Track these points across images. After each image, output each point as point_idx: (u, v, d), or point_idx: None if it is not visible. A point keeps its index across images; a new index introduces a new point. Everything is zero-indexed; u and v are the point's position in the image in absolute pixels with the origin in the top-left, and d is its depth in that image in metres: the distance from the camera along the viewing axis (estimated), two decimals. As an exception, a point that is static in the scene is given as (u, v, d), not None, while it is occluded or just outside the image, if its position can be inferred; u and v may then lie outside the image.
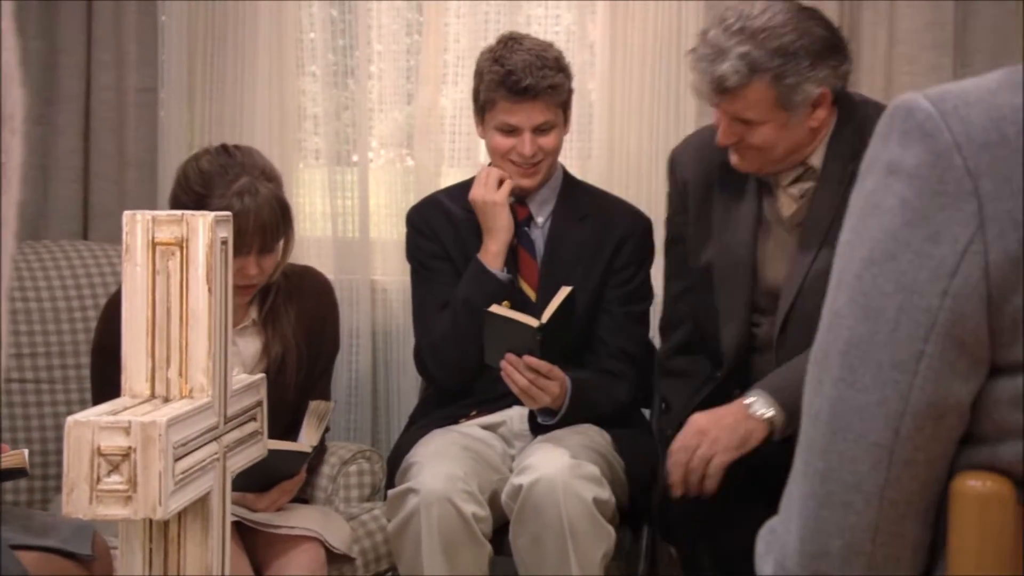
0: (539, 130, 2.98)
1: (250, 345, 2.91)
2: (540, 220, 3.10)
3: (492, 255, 3.01)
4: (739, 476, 2.65)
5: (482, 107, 3.03)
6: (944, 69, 3.47)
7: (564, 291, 2.87)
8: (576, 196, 3.12)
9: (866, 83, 3.53)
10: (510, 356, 2.84)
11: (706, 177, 2.87)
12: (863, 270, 1.02)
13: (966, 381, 1.00)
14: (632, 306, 3.08)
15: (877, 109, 2.75)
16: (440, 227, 3.10)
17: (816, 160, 2.75)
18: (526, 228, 3.08)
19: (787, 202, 2.79)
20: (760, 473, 2.65)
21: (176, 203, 2.81)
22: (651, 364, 3.14)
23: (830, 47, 2.67)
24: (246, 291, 2.83)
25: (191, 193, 2.77)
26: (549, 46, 3.04)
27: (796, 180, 2.78)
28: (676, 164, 2.96)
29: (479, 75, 3.02)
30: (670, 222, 2.99)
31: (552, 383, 2.86)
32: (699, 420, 2.65)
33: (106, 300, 3.02)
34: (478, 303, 2.95)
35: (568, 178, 3.17)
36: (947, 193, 0.98)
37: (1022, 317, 0.98)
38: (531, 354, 2.83)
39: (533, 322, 2.83)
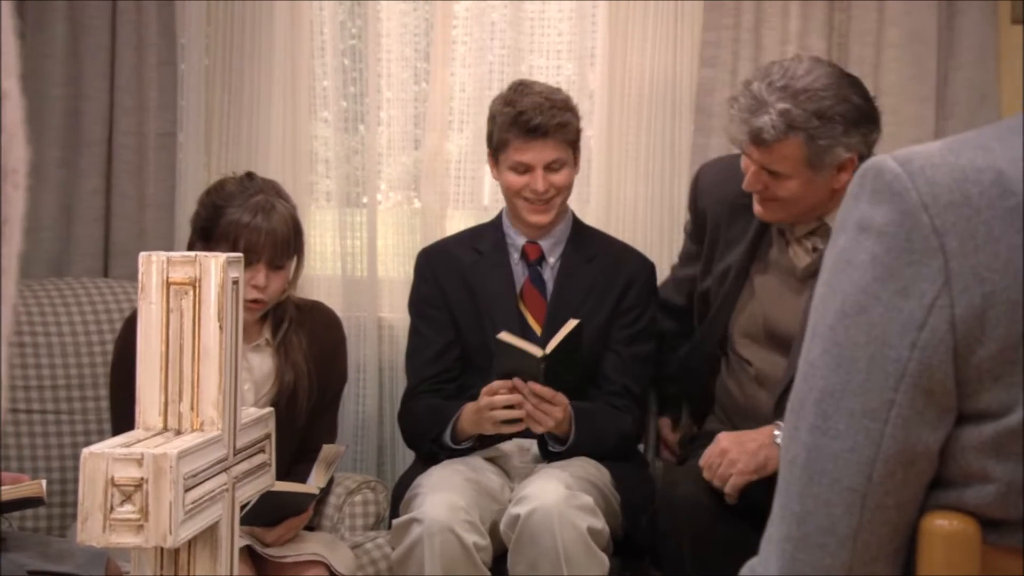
0: (550, 168, 3.01)
1: (264, 363, 2.93)
2: (552, 260, 3.11)
3: (462, 430, 3.00)
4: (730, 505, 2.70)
5: (496, 148, 3.05)
6: (927, 121, 3.49)
7: (571, 324, 2.89)
8: (585, 239, 3.14)
9: (852, 133, 3.55)
10: (516, 380, 2.86)
11: (721, 207, 2.96)
12: (836, 322, 1.03)
13: (934, 429, 1.01)
14: (637, 347, 3.09)
15: None
16: (445, 274, 3.12)
17: (832, 220, 2.78)
18: (538, 267, 3.10)
19: (801, 254, 2.84)
20: (750, 505, 2.69)
21: (196, 218, 2.86)
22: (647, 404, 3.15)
23: (864, 116, 2.71)
24: (255, 306, 2.84)
25: (211, 207, 2.82)
26: (558, 90, 3.08)
27: (810, 234, 2.83)
28: (699, 185, 3.06)
29: (492, 119, 3.05)
30: (685, 231, 3.14)
31: (556, 408, 2.87)
32: (723, 440, 2.71)
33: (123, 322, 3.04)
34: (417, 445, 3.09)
35: (577, 222, 3.18)
36: (915, 250, 0.99)
37: (987, 368, 0.99)
38: (536, 381, 2.85)
39: (538, 351, 2.85)
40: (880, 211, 1.01)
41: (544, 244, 3.12)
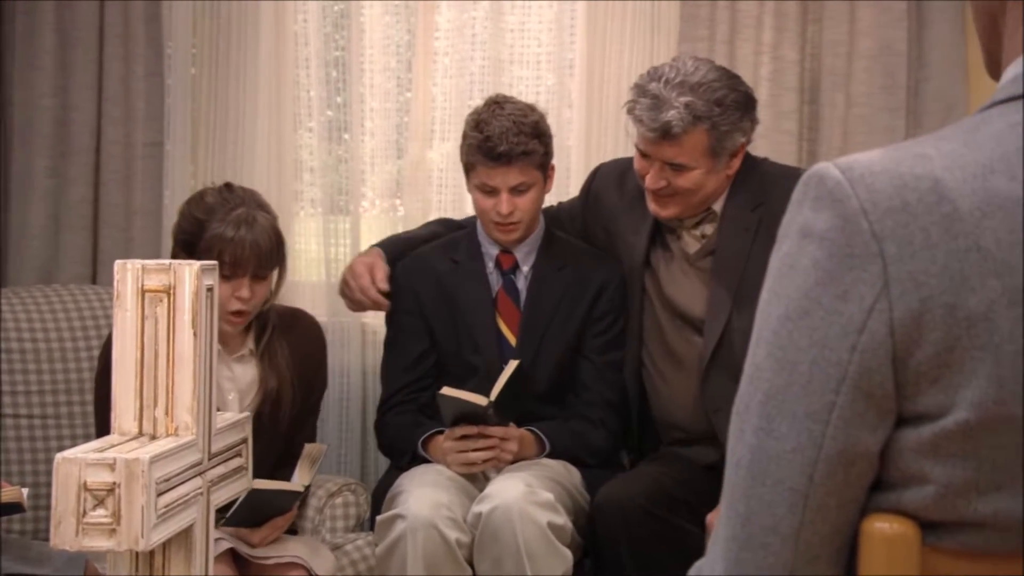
0: (516, 190, 3.00)
1: (247, 373, 2.92)
2: (525, 269, 3.11)
3: (432, 456, 3.03)
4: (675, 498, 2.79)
5: (466, 168, 3.06)
6: (897, 130, 3.49)
7: (512, 365, 2.93)
8: (555, 247, 3.14)
9: (824, 142, 3.56)
10: (467, 428, 2.92)
11: (619, 203, 3.09)
12: (780, 326, 1.03)
13: (874, 431, 1.01)
14: (611, 354, 3.09)
15: (774, 166, 3.02)
16: (420, 282, 3.12)
17: (717, 207, 2.94)
18: (512, 276, 3.10)
19: (691, 242, 2.98)
20: (685, 504, 2.75)
21: (178, 231, 2.84)
22: (627, 408, 3.14)
23: (751, 102, 2.89)
24: (239, 317, 2.84)
25: (192, 219, 2.80)
26: (531, 111, 3.05)
27: (698, 223, 2.96)
28: (599, 180, 3.20)
29: (464, 138, 3.05)
30: (558, 214, 3.22)
31: (510, 442, 2.94)
32: None
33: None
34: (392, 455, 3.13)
35: (549, 231, 3.18)
36: (854, 255, 0.99)
37: (924, 371, 0.99)
38: (487, 424, 2.92)
39: (483, 400, 2.89)
40: (822, 217, 1.01)
41: (518, 254, 3.12)
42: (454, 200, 3.76)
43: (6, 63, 3.65)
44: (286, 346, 2.95)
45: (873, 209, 0.99)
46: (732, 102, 2.83)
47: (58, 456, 1.62)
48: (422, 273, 3.12)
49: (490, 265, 3.11)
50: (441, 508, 2.76)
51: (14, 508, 2.30)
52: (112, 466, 1.62)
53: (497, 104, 3.04)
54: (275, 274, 2.89)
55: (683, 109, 2.77)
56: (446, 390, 2.90)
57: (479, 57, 3.76)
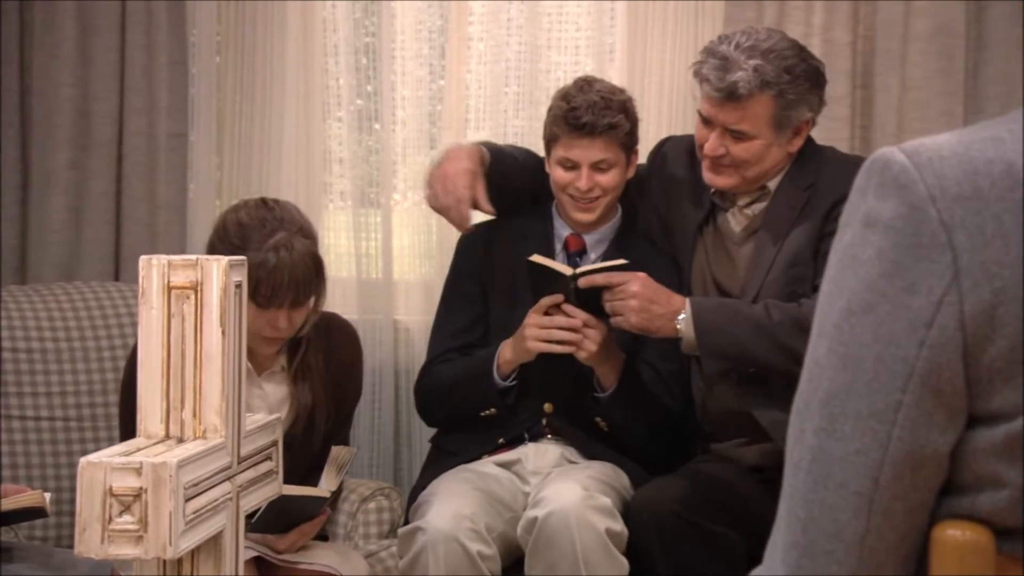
0: (597, 167, 3.00)
1: (277, 391, 2.91)
2: (593, 257, 3.10)
3: (505, 361, 3.02)
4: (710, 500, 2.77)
5: (548, 142, 3.07)
6: (955, 115, 3.46)
7: (618, 261, 2.93)
8: (626, 244, 3.12)
9: (879, 128, 3.53)
10: (554, 298, 2.89)
11: (685, 174, 3.09)
12: (842, 321, 1.01)
13: (944, 431, 0.99)
14: (672, 364, 3.06)
15: (836, 153, 3.04)
16: (486, 252, 3.12)
17: (772, 186, 2.96)
18: (578, 259, 3.08)
19: (740, 220, 3.00)
20: (724, 509, 2.76)
21: (212, 252, 2.79)
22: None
23: (821, 77, 2.92)
24: (274, 342, 2.83)
25: (228, 244, 2.74)
26: (621, 91, 3.07)
27: (750, 203, 2.99)
28: (668, 146, 3.20)
29: (548, 111, 3.07)
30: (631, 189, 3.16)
31: (593, 331, 2.88)
32: (636, 284, 2.83)
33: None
34: (466, 406, 3.06)
35: (626, 225, 3.16)
36: (922, 245, 0.97)
37: (998, 367, 0.97)
38: (570, 303, 2.88)
39: (568, 270, 2.88)
40: (887, 205, 0.99)
41: (588, 239, 3.12)
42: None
43: (25, 52, 3.66)
44: (320, 357, 2.93)
45: (942, 196, 0.97)
46: (802, 72, 2.85)
47: (82, 460, 1.62)
48: (490, 245, 3.13)
49: (558, 246, 3.12)
50: (463, 520, 2.76)
51: (37, 513, 2.31)
52: (139, 470, 1.62)
53: (586, 82, 3.06)
54: (312, 300, 2.85)
55: (751, 72, 2.80)
56: (536, 257, 2.91)
57: (515, 43, 3.74)
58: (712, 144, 2.87)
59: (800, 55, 2.88)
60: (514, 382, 3.03)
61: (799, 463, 1.03)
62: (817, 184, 2.89)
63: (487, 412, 3.05)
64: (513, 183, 3.12)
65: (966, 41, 3.47)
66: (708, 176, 2.94)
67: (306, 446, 2.85)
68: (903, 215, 0.98)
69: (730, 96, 2.82)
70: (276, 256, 2.71)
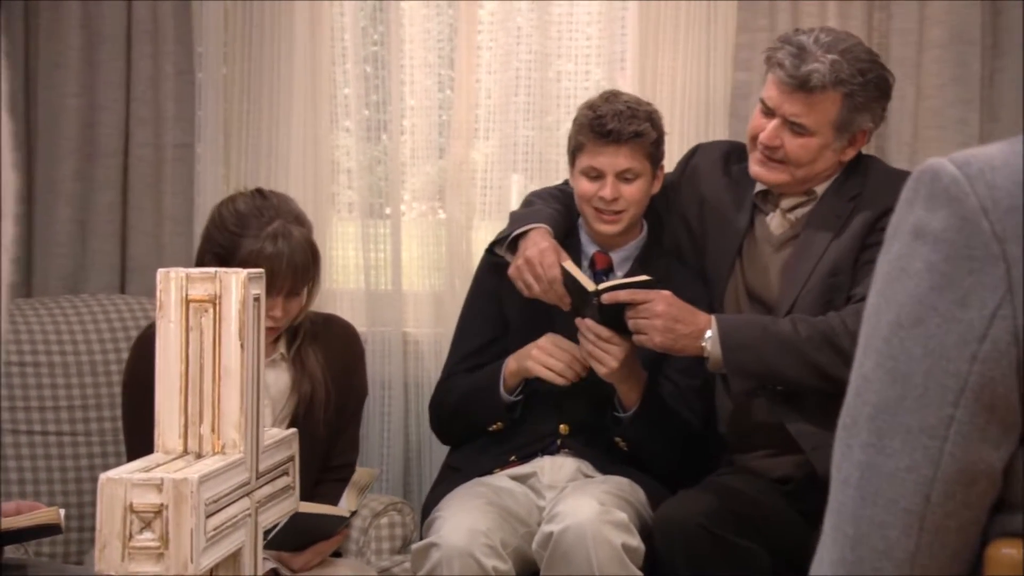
0: (622, 177, 3.00)
1: (280, 379, 2.92)
2: (619, 275, 3.09)
3: (511, 372, 3.02)
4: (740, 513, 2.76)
5: (573, 152, 3.07)
6: (970, 123, 3.46)
7: (641, 277, 2.92)
8: (652, 260, 3.11)
9: (894, 137, 3.53)
10: (577, 319, 2.90)
11: (722, 179, 3.09)
12: (891, 334, 1.01)
13: (997, 446, 0.98)
14: (693, 380, 3.06)
15: (883, 165, 3.06)
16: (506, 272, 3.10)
17: (820, 190, 2.96)
18: (604, 277, 3.07)
19: (780, 222, 2.99)
20: (758, 514, 2.76)
21: (209, 241, 2.84)
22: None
23: (889, 90, 2.93)
24: (269, 332, 2.83)
25: (225, 232, 2.80)
26: (647, 103, 3.09)
27: (795, 207, 2.98)
28: (700, 155, 3.20)
29: (574, 121, 3.08)
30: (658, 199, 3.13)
31: (615, 347, 2.87)
32: (662, 304, 2.81)
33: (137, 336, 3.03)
34: (473, 420, 3.09)
35: (652, 242, 3.16)
36: (974, 257, 0.97)
37: None
38: (592, 318, 2.87)
39: (591, 285, 2.87)
40: (937, 217, 0.98)
41: (615, 256, 3.11)
42: (499, 202, 3.74)
43: (30, 61, 3.66)
44: (320, 351, 2.95)
45: (994, 208, 0.96)
46: (874, 79, 2.87)
47: (102, 476, 1.61)
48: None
49: (584, 264, 3.11)
50: (478, 535, 2.75)
51: (52, 530, 2.30)
52: (160, 487, 1.61)
53: (613, 94, 3.09)
54: (308, 288, 2.88)
55: (828, 66, 2.81)
56: (567, 263, 2.91)
57: (524, 51, 3.73)
58: (769, 133, 2.87)
59: (875, 62, 2.90)
60: (520, 396, 3.02)
61: (847, 479, 1.03)
62: (863, 195, 2.89)
63: (495, 426, 3.05)
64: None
65: (982, 49, 3.47)
66: (756, 170, 2.93)
67: (310, 434, 2.84)
68: (954, 227, 0.98)
69: (802, 86, 2.82)
70: (274, 244, 2.76)
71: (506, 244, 3.03)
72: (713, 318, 2.83)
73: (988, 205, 0.97)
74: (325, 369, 2.94)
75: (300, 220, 2.85)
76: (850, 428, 1.03)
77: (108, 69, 3.65)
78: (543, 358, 2.95)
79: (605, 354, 2.88)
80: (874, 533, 1.01)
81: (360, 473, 2.87)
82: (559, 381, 2.94)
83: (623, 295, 2.84)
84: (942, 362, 0.98)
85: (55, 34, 3.63)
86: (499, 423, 3.05)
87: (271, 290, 2.73)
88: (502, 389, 3.02)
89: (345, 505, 2.83)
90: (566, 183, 3.21)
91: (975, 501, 1.00)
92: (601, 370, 2.90)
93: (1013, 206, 0.96)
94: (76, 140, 3.64)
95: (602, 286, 2.87)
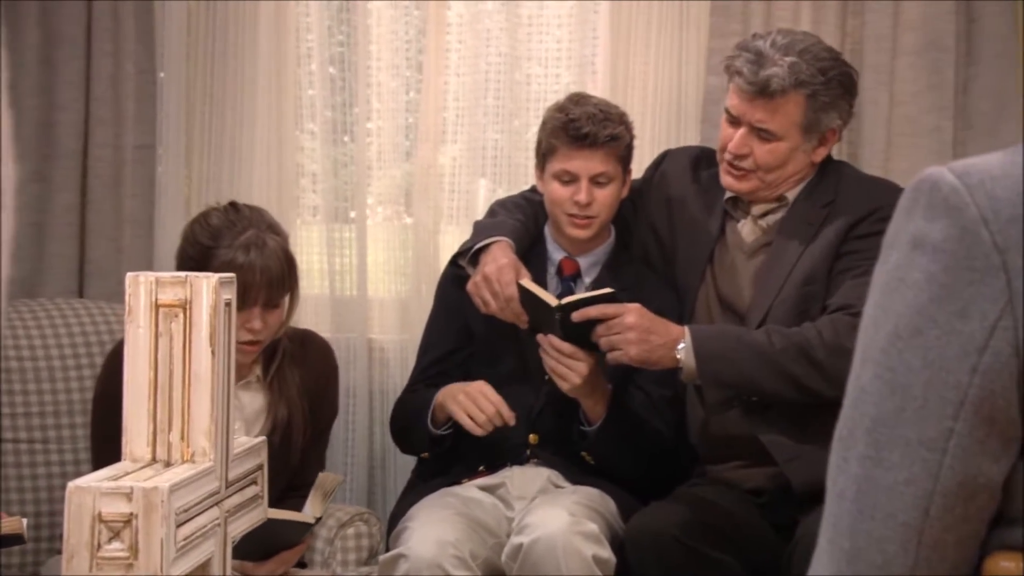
0: (596, 181, 3.00)
1: (253, 401, 2.90)
2: (587, 281, 3.10)
3: (438, 405, 3.01)
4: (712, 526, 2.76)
5: (543, 155, 3.06)
6: (945, 131, 3.48)
7: (604, 291, 2.90)
8: (620, 267, 3.12)
9: (867, 143, 3.54)
10: (539, 335, 2.89)
11: (691, 185, 3.10)
12: (889, 345, 1.01)
13: (997, 460, 0.99)
14: (666, 390, 3.06)
15: (853, 170, 3.08)
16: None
17: (792, 196, 2.97)
18: (572, 284, 3.08)
19: (752, 229, 3.01)
20: (731, 525, 2.77)
21: (183, 257, 2.83)
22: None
23: (853, 87, 2.94)
24: (251, 348, 2.82)
25: (198, 246, 2.78)
26: (615, 106, 3.10)
27: (766, 213, 3.00)
28: (669, 161, 3.21)
29: (543, 125, 3.07)
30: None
31: (578, 363, 2.86)
32: (633, 316, 2.80)
33: (106, 355, 3.01)
34: (408, 443, 3.15)
35: (619, 248, 3.16)
36: (974, 268, 0.97)
37: None
38: (554, 334, 2.86)
39: (553, 301, 2.86)
40: (936, 227, 0.99)
41: (583, 262, 3.11)
42: (466, 206, 3.74)
43: (-13, 59, 3.63)
44: (297, 372, 2.93)
45: (995, 218, 0.97)
46: (836, 76, 2.88)
47: (70, 484, 1.60)
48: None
49: (551, 271, 3.10)
50: (447, 546, 2.74)
51: (15, 540, 2.28)
52: (129, 495, 1.60)
53: (581, 96, 3.10)
54: (287, 300, 2.86)
55: (786, 68, 2.83)
56: (524, 281, 2.90)
57: (493, 54, 3.73)
58: (737, 143, 2.89)
59: (835, 59, 2.91)
60: (449, 431, 3.01)
61: (843, 492, 1.03)
62: (836, 202, 2.90)
63: (424, 455, 3.08)
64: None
65: (956, 56, 3.49)
66: (726, 180, 2.95)
67: (282, 459, 2.83)
68: (954, 237, 0.98)
69: (762, 91, 2.84)
70: (247, 254, 2.74)
71: (468, 256, 3.03)
72: (686, 328, 2.83)
73: (988, 215, 0.97)
74: (301, 391, 2.93)
75: (275, 230, 2.84)
76: (846, 440, 1.03)
77: (67, 68, 3.61)
78: (468, 405, 2.93)
79: (568, 370, 2.87)
80: (872, 547, 1.01)
81: (324, 477, 2.85)
82: (476, 431, 2.93)
83: (593, 311, 2.82)
84: (942, 374, 0.98)
85: (12, 33, 3.59)
86: (426, 453, 3.07)
87: (247, 301, 2.70)
88: (428, 422, 3.02)
89: (309, 511, 2.81)
90: (533, 189, 3.21)
91: (974, 514, 1.00)
92: (564, 386, 2.90)
93: (1014, 216, 0.97)
94: (33, 141, 3.58)
95: (564, 301, 2.86)
